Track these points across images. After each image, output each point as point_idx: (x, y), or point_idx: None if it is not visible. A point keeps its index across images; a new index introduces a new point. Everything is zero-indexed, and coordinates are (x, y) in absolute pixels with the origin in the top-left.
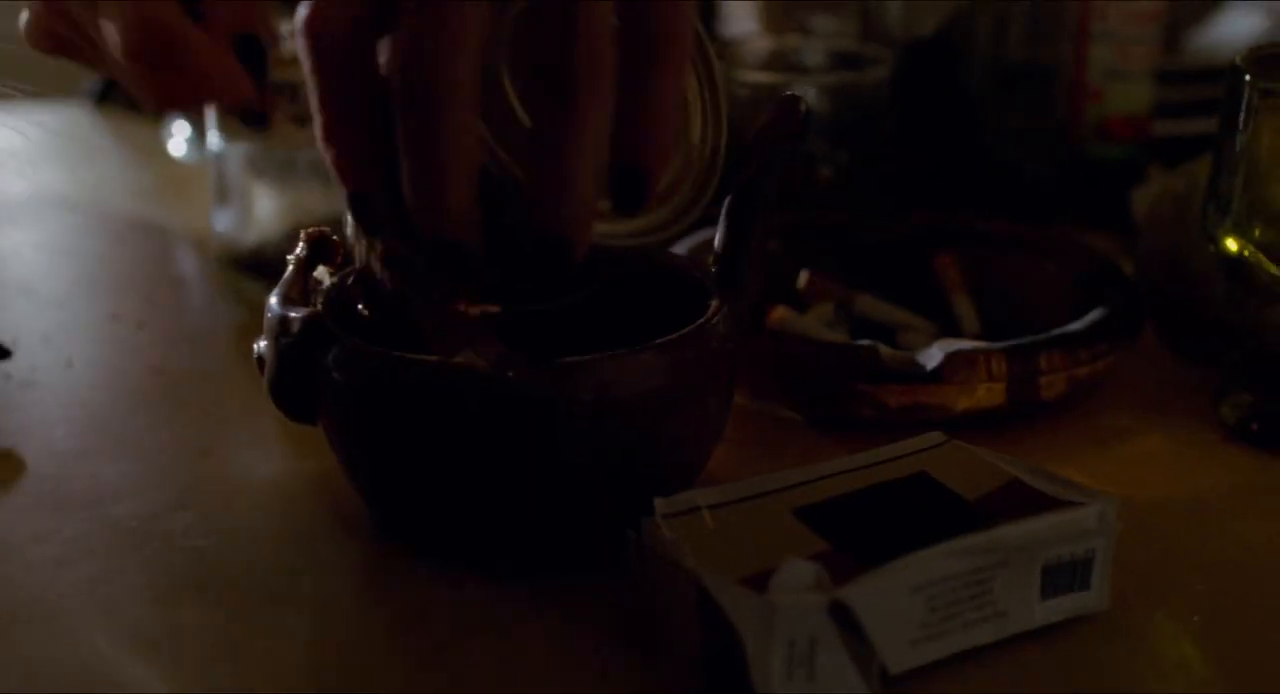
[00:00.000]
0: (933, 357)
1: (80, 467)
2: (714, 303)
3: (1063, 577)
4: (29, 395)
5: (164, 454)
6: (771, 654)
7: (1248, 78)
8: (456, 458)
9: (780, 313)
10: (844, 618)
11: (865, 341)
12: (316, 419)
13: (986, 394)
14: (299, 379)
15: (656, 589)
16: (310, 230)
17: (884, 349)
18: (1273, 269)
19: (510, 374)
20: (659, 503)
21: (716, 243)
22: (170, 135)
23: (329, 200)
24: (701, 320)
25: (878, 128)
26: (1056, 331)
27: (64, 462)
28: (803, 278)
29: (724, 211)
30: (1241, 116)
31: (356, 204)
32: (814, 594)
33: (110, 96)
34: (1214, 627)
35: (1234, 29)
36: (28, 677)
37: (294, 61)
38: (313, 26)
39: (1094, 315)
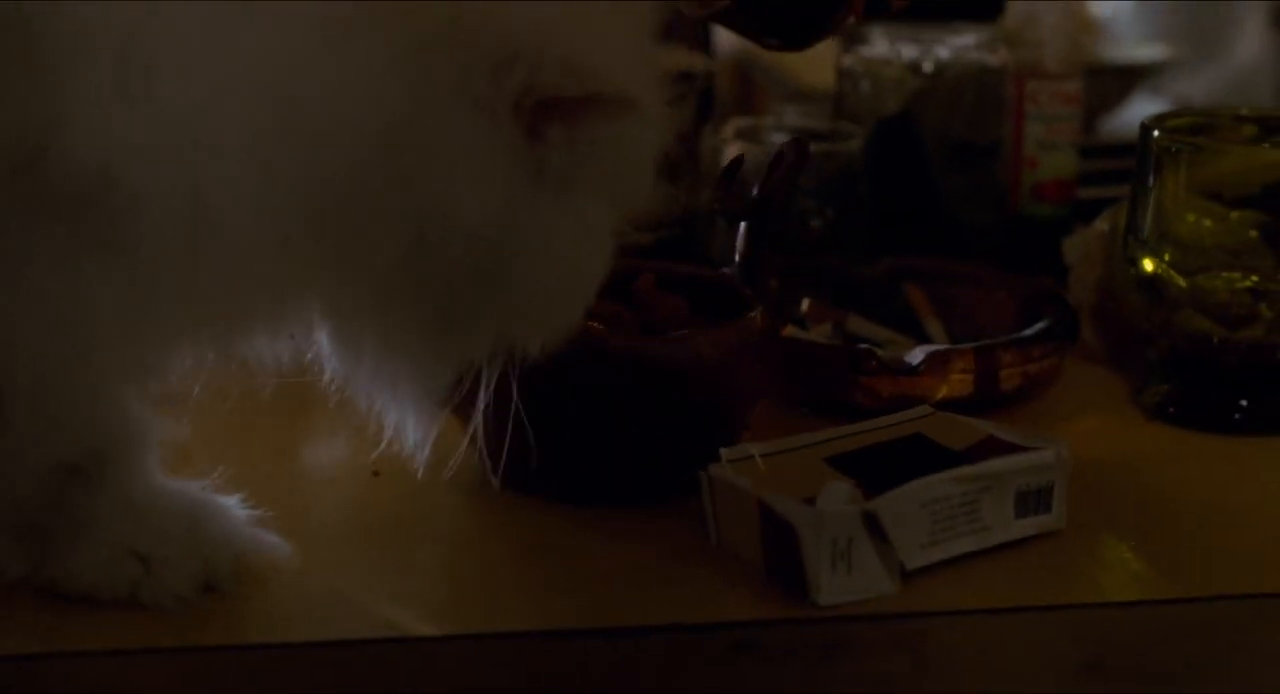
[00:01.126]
0: (916, 356)
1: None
2: (752, 302)
3: (1030, 501)
4: None
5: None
6: (821, 549)
7: (1155, 134)
8: (585, 409)
9: (790, 330)
10: (873, 525)
11: (863, 345)
12: None
13: (959, 384)
14: None
15: (725, 512)
16: None
17: (878, 351)
18: (1181, 282)
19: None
20: (724, 452)
21: (737, 254)
22: None
23: None
24: (751, 313)
25: (855, 189)
26: (1012, 336)
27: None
28: (805, 304)
29: (742, 231)
30: (1151, 165)
31: None
32: (851, 506)
33: None
34: (1145, 544)
35: (1142, 113)
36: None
37: None
38: None
39: (1040, 325)
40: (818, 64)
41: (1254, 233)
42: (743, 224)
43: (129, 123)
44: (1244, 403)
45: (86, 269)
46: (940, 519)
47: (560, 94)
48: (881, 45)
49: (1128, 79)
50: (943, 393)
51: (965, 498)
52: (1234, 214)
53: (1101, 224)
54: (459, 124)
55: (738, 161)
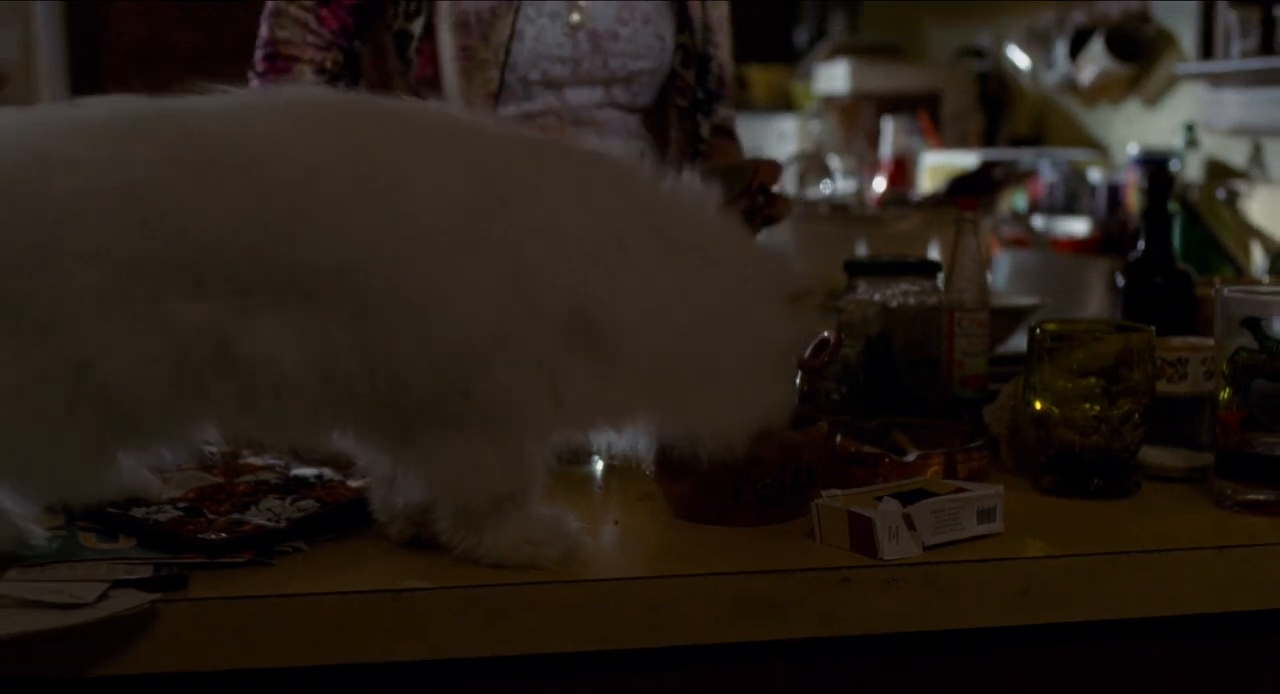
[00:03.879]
0: (911, 456)
1: None
2: (819, 419)
3: (985, 515)
4: None
5: None
6: (883, 531)
7: (1037, 333)
8: (756, 469)
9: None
10: (908, 520)
11: (878, 451)
12: None
13: (934, 473)
14: None
15: (826, 522)
16: None
17: (891, 454)
18: (1056, 414)
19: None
20: (823, 493)
21: (798, 396)
22: None
23: None
24: (820, 424)
25: (857, 377)
26: (961, 447)
27: None
28: (838, 439)
29: (799, 396)
30: (1037, 351)
31: None
32: (898, 511)
33: None
34: (1055, 540)
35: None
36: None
37: None
38: None
39: (978, 442)
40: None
41: (1096, 386)
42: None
43: None
44: (1096, 480)
45: (579, 373)
46: (941, 520)
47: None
48: (865, 292)
49: (1014, 318)
50: (926, 475)
51: (952, 510)
52: (1085, 380)
53: (1007, 389)
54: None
55: (824, 341)
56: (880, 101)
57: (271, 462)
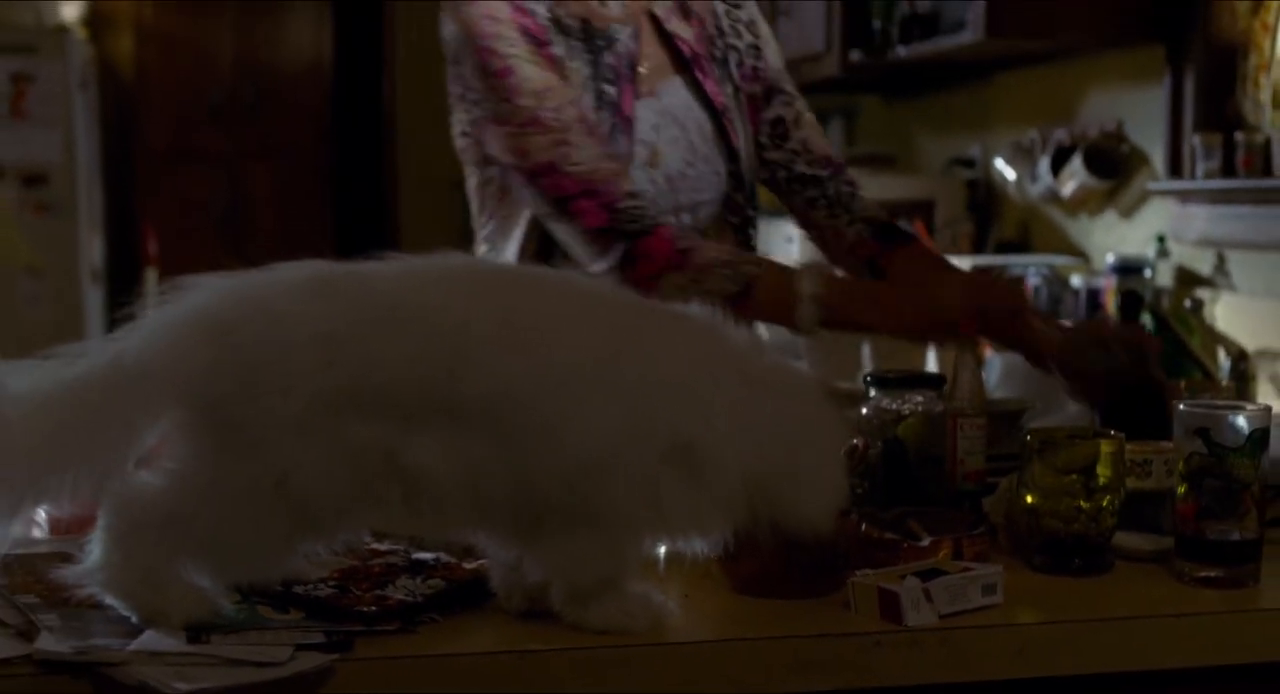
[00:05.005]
0: (925, 541)
1: None
2: (851, 511)
3: (988, 589)
4: None
5: None
6: (908, 601)
7: (1028, 438)
8: (793, 550)
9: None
10: (927, 594)
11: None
12: None
13: (944, 554)
14: None
15: (859, 596)
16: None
17: (907, 539)
18: (1044, 506)
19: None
20: (856, 574)
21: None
22: None
23: None
24: (850, 515)
25: (877, 474)
26: (965, 532)
27: None
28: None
29: None
30: (1025, 455)
31: None
32: (918, 586)
33: None
34: (1045, 610)
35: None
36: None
37: None
38: None
39: (980, 529)
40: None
41: (1077, 482)
42: None
43: None
44: (1077, 560)
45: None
46: (953, 593)
47: None
48: (882, 401)
49: (1008, 419)
50: (939, 556)
51: (961, 585)
52: (1067, 477)
53: (1003, 484)
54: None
55: (854, 447)
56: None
57: (393, 547)
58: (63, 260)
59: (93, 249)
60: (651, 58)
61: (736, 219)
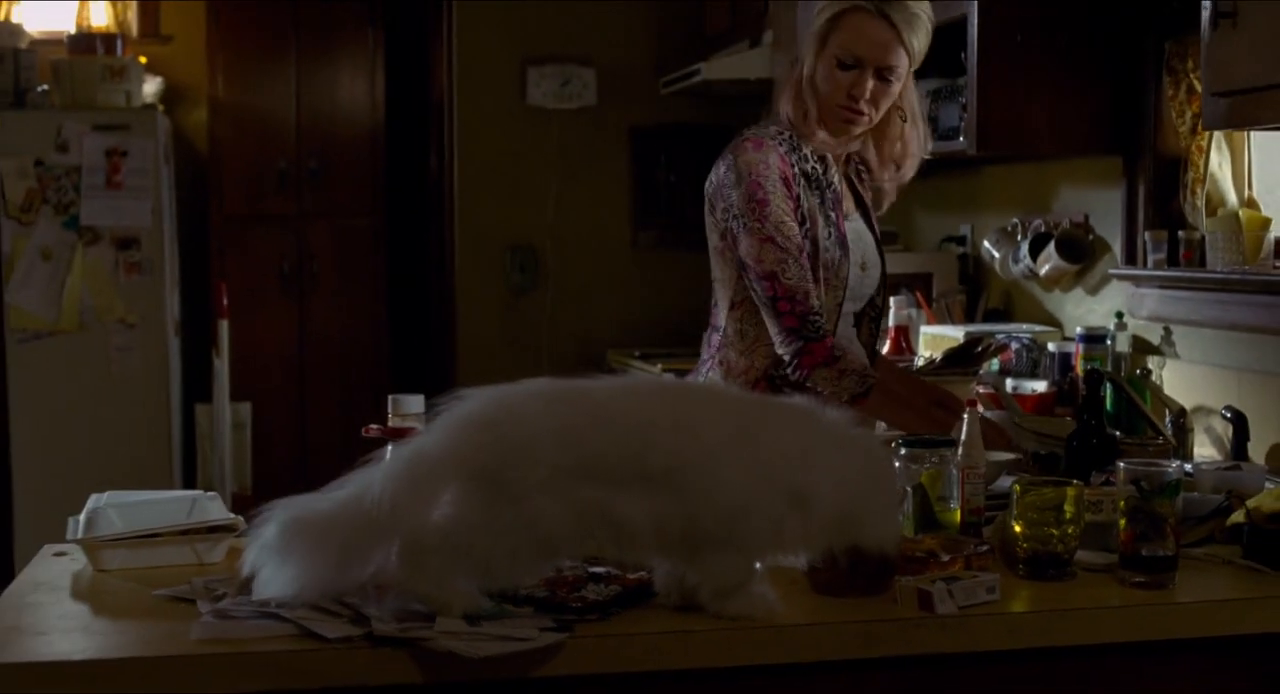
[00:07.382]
0: (945, 557)
1: None
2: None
3: (989, 589)
4: None
5: None
6: (938, 597)
7: (1016, 487)
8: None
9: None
10: (950, 593)
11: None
12: None
13: (959, 566)
14: None
15: (902, 594)
16: None
17: (933, 555)
18: (1029, 533)
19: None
20: (898, 578)
21: None
22: None
23: None
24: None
25: (906, 511)
26: (973, 551)
27: None
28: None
29: None
30: (1014, 497)
31: None
32: (944, 587)
33: None
34: (1028, 603)
35: (1006, 483)
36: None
37: None
38: None
39: (983, 548)
40: None
41: (1050, 516)
42: None
43: None
44: (1050, 570)
45: (795, 522)
46: (966, 592)
47: None
48: (909, 458)
49: (1000, 467)
50: (954, 568)
51: (973, 586)
52: (1045, 513)
53: (999, 518)
54: None
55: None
56: None
57: (573, 563)
58: (151, 314)
59: (174, 303)
60: (845, 196)
61: (873, 312)
